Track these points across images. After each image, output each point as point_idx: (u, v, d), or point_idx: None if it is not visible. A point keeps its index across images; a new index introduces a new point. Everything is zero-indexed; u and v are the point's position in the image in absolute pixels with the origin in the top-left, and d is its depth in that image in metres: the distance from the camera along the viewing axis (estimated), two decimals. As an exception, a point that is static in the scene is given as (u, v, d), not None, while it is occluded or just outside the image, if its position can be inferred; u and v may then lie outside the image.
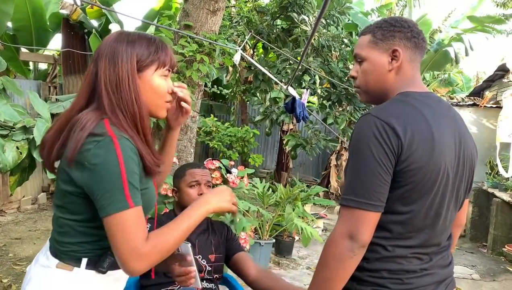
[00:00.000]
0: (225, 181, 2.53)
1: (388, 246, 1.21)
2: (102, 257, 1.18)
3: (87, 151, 1.07)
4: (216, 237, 2.09)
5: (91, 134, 1.09)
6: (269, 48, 6.92)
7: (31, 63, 8.61)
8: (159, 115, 1.26)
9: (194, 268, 1.30)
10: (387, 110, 1.20)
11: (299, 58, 6.87)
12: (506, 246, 5.91)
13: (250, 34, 4.72)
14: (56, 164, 1.22)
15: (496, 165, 5.39)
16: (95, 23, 7.89)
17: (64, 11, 7.20)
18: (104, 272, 1.19)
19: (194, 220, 1.19)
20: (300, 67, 6.71)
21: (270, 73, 5.73)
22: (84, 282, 1.17)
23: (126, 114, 1.15)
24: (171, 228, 1.15)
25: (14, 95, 5.49)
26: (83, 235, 1.16)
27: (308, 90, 4.48)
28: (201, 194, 2.01)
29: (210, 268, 1.99)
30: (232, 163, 2.70)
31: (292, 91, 4.12)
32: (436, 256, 1.27)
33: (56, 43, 10.08)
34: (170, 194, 2.55)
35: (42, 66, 9.04)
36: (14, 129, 2.32)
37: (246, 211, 2.75)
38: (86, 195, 1.11)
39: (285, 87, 4.22)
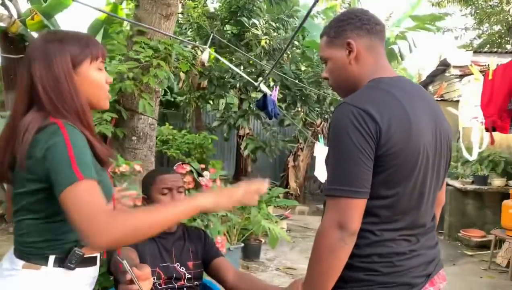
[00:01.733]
0: (198, 185, 2.47)
1: (376, 230, 1.21)
2: (69, 253, 1.17)
3: (38, 142, 1.10)
4: (193, 243, 2.02)
5: (38, 129, 1.12)
6: (221, 53, 6.89)
7: (-32, 80, 8.07)
8: (102, 106, 1.30)
9: (136, 287, 1.28)
10: (362, 97, 1.22)
11: (251, 62, 6.91)
12: (461, 231, 6.20)
13: (211, 35, 4.66)
14: (10, 174, 1.20)
15: (458, 150, 5.68)
16: (36, 35, 7.52)
17: (1, 24, 6.82)
18: (72, 269, 1.17)
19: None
20: (254, 70, 6.75)
21: (229, 75, 5.71)
22: (53, 280, 1.15)
23: (69, 110, 1.17)
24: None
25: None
26: (47, 232, 1.16)
27: (278, 87, 4.49)
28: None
29: (190, 276, 1.93)
30: (203, 166, 2.65)
31: (263, 88, 4.11)
32: (423, 237, 1.29)
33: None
34: (139, 203, 2.45)
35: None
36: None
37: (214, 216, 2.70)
38: (49, 188, 1.10)
39: (257, 84, 4.21)
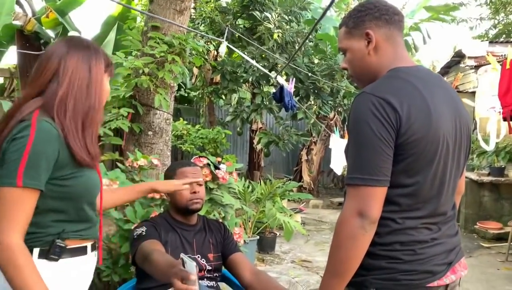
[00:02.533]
0: (215, 177, 2.49)
1: (398, 218, 1.22)
2: (52, 245, 1.22)
3: (10, 133, 1.17)
4: (213, 236, 2.05)
5: (20, 120, 1.18)
6: (234, 47, 6.89)
7: (-15, 78, 8.22)
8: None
9: (196, 288, 1.28)
10: (381, 86, 1.23)
11: (264, 55, 6.90)
12: (477, 223, 6.15)
13: (226, 29, 4.67)
14: None
15: (474, 141, 5.63)
16: (51, 33, 7.61)
17: (17, 22, 6.90)
18: (56, 260, 1.22)
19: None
20: (267, 64, 6.74)
21: (244, 68, 5.71)
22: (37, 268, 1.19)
23: (77, 109, 1.25)
24: (23, 264, 1.11)
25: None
26: (31, 225, 1.18)
27: (294, 79, 4.48)
28: (194, 192, 1.97)
29: (210, 267, 1.96)
30: (219, 159, 2.67)
31: (280, 80, 4.11)
32: (444, 226, 1.30)
33: (11, 56, 9.69)
34: (158, 197, 2.49)
35: (-2, 80, 8.65)
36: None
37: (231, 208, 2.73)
38: None
39: (273, 77, 4.21)
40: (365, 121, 1.17)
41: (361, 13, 1.34)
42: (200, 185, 2.02)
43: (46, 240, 1.23)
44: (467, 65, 7.63)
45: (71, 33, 6.07)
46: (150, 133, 3.87)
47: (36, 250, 1.21)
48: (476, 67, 7.31)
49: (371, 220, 1.15)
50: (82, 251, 1.32)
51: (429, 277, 1.22)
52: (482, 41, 9.95)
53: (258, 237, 4.82)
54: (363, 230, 1.15)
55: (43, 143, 1.15)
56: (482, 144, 5.12)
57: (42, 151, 1.15)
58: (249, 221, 4.71)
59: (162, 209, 2.43)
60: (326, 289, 1.23)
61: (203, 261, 1.95)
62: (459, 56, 8.14)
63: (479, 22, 13.20)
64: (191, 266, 1.30)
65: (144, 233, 1.84)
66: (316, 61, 7.51)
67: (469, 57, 7.57)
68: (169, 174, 2.04)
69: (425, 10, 8.47)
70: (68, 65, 1.26)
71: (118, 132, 3.95)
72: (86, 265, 1.35)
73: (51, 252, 1.22)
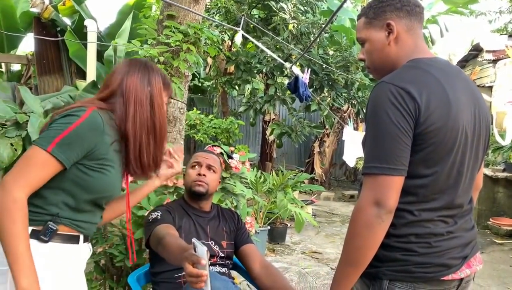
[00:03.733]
0: (228, 167, 2.51)
1: (415, 210, 1.22)
2: (44, 226, 1.27)
3: (65, 112, 1.30)
4: (227, 224, 2.08)
5: (78, 106, 1.31)
6: (250, 36, 6.87)
7: (3, 65, 8.33)
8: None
9: (206, 272, 1.29)
10: (400, 76, 1.22)
11: (278, 46, 6.87)
12: (490, 219, 6.09)
13: (242, 18, 4.65)
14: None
15: (491, 136, 5.57)
16: (68, 20, 7.67)
17: (34, 10, 6.97)
18: (45, 241, 1.27)
19: (18, 250, 1.16)
20: (281, 55, 6.71)
21: (257, 58, 5.68)
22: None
23: (141, 123, 1.40)
24: (21, 231, 1.17)
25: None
26: (37, 199, 1.26)
27: (309, 70, 4.46)
28: (199, 174, 1.99)
29: (223, 255, 1.98)
30: (232, 149, 2.68)
31: (296, 70, 4.09)
32: (460, 219, 1.29)
33: (28, 43, 9.80)
34: (170, 184, 2.51)
35: (15, 67, 8.77)
36: (6, 126, 2.25)
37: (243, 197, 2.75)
38: None
39: (288, 66, 4.20)
40: (383, 110, 1.17)
41: (382, 3, 1.34)
42: (211, 171, 2.04)
43: (43, 219, 1.28)
44: (484, 59, 7.50)
45: (87, 21, 6.09)
46: (164, 121, 3.90)
47: (29, 229, 1.25)
48: (494, 61, 7.18)
49: (388, 209, 1.15)
50: (73, 239, 1.36)
51: (444, 270, 1.22)
52: (501, 34, 9.76)
53: (269, 227, 4.85)
54: (380, 219, 1.15)
55: (87, 130, 1.25)
56: (498, 138, 5.05)
57: (82, 136, 1.25)
58: (260, 211, 4.74)
59: (175, 197, 2.46)
60: (341, 277, 1.24)
61: (216, 247, 1.97)
62: (476, 50, 8.00)
63: (498, 15, 12.94)
64: (202, 251, 1.31)
65: (158, 217, 1.87)
66: (331, 52, 7.46)
67: (487, 51, 7.43)
68: (188, 161, 2.12)
69: (443, 2, 8.33)
70: (128, 84, 1.40)
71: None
72: (77, 254, 1.39)
73: (41, 233, 1.27)
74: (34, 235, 1.26)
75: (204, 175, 2.00)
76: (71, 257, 1.36)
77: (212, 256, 1.93)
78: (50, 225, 1.27)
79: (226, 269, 1.99)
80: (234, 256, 2.08)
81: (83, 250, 1.43)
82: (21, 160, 1.22)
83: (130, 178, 1.58)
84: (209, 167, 2.04)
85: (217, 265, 1.95)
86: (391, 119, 1.15)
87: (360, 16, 1.41)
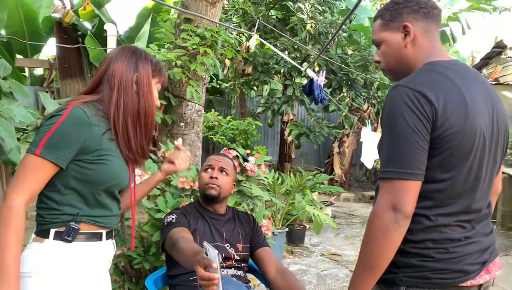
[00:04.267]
0: (243, 169, 2.51)
1: (431, 216, 1.19)
2: (66, 226, 1.29)
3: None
4: (243, 227, 2.07)
5: (64, 105, 1.32)
6: (266, 38, 6.87)
7: (26, 69, 8.54)
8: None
9: (218, 276, 1.29)
10: (417, 79, 1.21)
11: (296, 46, 6.84)
12: (516, 221, 5.94)
13: (257, 21, 4.66)
14: None
15: None
16: (88, 25, 7.82)
17: (56, 15, 7.12)
18: (70, 241, 1.29)
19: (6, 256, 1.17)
20: (299, 55, 6.69)
21: (273, 60, 5.68)
22: (53, 253, 1.28)
23: (127, 111, 1.38)
24: (13, 237, 1.18)
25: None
26: (49, 202, 1.30)
27: (324, 72, 4.44)
28: (211, 177, 1.99)
29: (239, 257, 1.98)
30: (248, 151, 2.68)
31: (310, 73, 4.08)
32: (478, 224, 1.26)
33: (51, 47, 10.01)
34: (187, 187, 2.53)
35: (38, 71, 8.97)
36: (27, 131, 2.29)
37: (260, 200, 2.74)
38: None
39: (303, 69, 4.18)
40: (399, 114, 1.15)
41: (399, 5, 1.32)
42: (223, 174, 2.03)
43: (62, 220, 1.29)
44: (508, 56, 7.33)
45: (107, 25, 6.19)
46: (182, 124, 3.93)
47: (52, 231, 1.28)
48: (518, 59, 7.01)
49: (405, 214, 1.13)
50: (96, 237, 1.37)
51: (462, 277, 1.20)
52: (525, 31, 9.51)
53: (287, 229, 4.83)
54: (396, 224, 1.13)
55: (70, 126, 1.26)
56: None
57: (67, 132, 1.25)
58: (278, 213, 4.72)
59: (192, 199, 2.47)
60: (357, 281, 1.22)
61: (232, 250, 1.96)
62: (500, 47, 7.83)
63: (522, 11, 12.61)
64: (214, 254, 1.32)
65: (174, 221, 1.88)
66: (349, 52, 7.39)
67: (511, 48, 7.26)
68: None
69: (465, -1, 8.17)
70: (114, 69, 1.39)
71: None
72: (101, 251, 1.40)
73: (65, 233, 1.28)
74: (58, 236, 1.28)
75: (216, 177, 1.99)
76: (95, 255, 1.38)
77: (227, 258, 1.94)
78: (72, 225, 1.29)
79: (241, 272, 1.98)
80: (249, 259, 2.08)
81: (107, 247, 1.43)
82: (17, 170, 1.25)
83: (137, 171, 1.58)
84: (221, 170, 2.03)
85: (233, 268, 1.95)
86: (408, 123, 1.13)
87: (376, 18, 1.39)
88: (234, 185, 2.16)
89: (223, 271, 1.90)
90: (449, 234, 1.20)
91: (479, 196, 1.24)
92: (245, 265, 2.02)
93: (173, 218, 1.90)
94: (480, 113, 1.20)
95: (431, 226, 1.20)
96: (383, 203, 1.15)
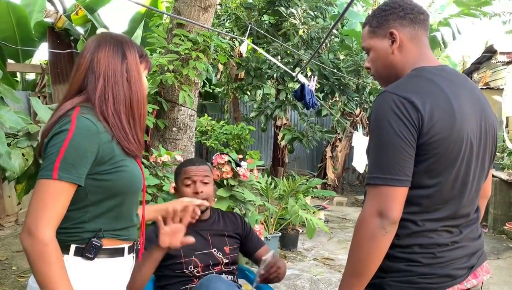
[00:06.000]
0: (236, 174, 2.52)
1: (419, 221, 1.20)
2: (88, 243, 1.22)
3: (52, 129, 1.20)
4: (229, 228, 2.06)
5: (60, 116, 1.21)
6: (258, 43, 6.90)
7: (18, 74, 8.49)
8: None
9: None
10: (403, 85, 1.21)
11: (289, 51, 6.87)
12: (506, 224, 5.98)
13: (249, 26, 4.68)
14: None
15: (504, 140, 5.48)
16: (80, 29, 7.80)
17: (48, 20, 7.09)
18: (91, 259, 1.22)
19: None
20: (291, 60, 6.72)
21: (266, 65, 5.70)
22: (74, 269, 1.19)
23: (118, 101, 1.27)
24: (56, 262, 1.12)
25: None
26: (67, 221, 1.20)
27: (316, 77, 4.46)
28: (196, 193, 1.91)
29: (227, 260, 1.97)
30: (241, 156, 2.69)
31: (301, 78, 4.10)
32: (465, 229, 1.27)
33: (43, 52, 9.96)
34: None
35: (30, 76, 8.93)
36: (17, 136, 2.28)
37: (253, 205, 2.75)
38: None
39: (294, 74, 4.20)
40: (386, 120, 1.15)
41: (385, 12, 1.33)
42: (205, 183, 1.96)
43: (83, 237, 1.23)
44: (498, 61, 7.41)
45: (100, 30, 6.19)
46: (174, 129, 3.93)
47: (72, 247, 1.21)
48: (508, 63, 7.09)
49: (392, 220, 1.13)
50: (118, 252, 1.30)
51: (449, 281, 1.21)
52: (515, 36, 9.64)
53: (280, 233, 4.83)
54: (383, 230, 1.13)
55: (82, 139, 1.16)
56: (508, 143, 4.96)
57: (80, 147, 1.15)
58: (272, 217, 4.73)
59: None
60: (345, 288, 1.22)
61: (220, 254, 1.96)
62: (490, 52, 7.90)
63: (512, 16, 12.77)
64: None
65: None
66: (341, 57, 7.44)
67: (501, 53, 7.34)
68: (176, 172, 2.03)
69: (455, 4, 8.26)
70: (99, 58, 1.27)
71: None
72: (122, 266, 1.33)
73: (86, 250, 1.21)
74: (79, 252, 1.21)
75: (201, 191, 1.92)
76: (117, 272, 1.31)
77: (216, 264, 1.93)
78: (94, 242, 1.22)
79: (232, 276, 1.98)
80: (238, 262, 2.07)
81: (128, 262, 1.37)
82: (33, 199, 1.14)
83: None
84: (202, 181, 1.96)
85: (223, 273, 1.94)
86: (394, 130, 1.14)
87: (365, 25, 1.41)
88: (214, 186, 2.15)
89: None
90: (436, 239, 1.21)
91: (467, 201, 1.25)
92: (235, 268, 2.02)
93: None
94: (467, 118, 1.21)
95: (418, 231, 1.21)
96: (370, 209, 1.16)
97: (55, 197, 1.13)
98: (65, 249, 1.20)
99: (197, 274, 1.88)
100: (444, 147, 1.16)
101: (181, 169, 1.99)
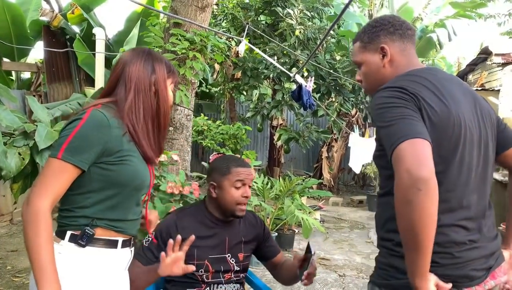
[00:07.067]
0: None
1: (439, 214, 1.13)
2: (82, 230, 1.30)
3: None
4: (248, 233, 1.94)
5: (81, 110, 1.34)
6: (255, 43, 6.89)
7: (13, 73, 8.45)
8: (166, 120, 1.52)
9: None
10: (393, 82, 1.29)
11: (285, 52, 6.88)
12: (501, 225, 6.01)
13: (246, 26, 4.68)
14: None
15: None
16: (76, 28, 7.77)
17: (44, 18, 7.07)
18: (83, 246, 1.30)
19: (38, 269, 1.18)
20: (288, 61, 6.72)
21: (262, 65, 5.71)
22: (67, 254, 1.29)
23: (146, 113, 1.41)
24: (45, 241, 1.20)
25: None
26: (70, 203, 1.31)
27: (313, 77, 4.47)
28: (246, 197, 1.83)
29: (239, 268, 1.88)
30: (238, 156, 2.68)
31: (299, 79, 4.11)
32: (482, 226, 1.26)
33: (38, 51, 9.92)
34: (176, 192, 2.52)
35: (25, 75, 8.88)
36: (14, 135, 2.27)
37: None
38: None
39: (292, 75, 4.21)
40: (389, 104, 1.20)
41: (376, 28, 1.42)
42: (250, 186, 1.88)
43: (80, 223, 1.30)
44: (494, 62, 7.44)
45: (96, 29, 6.16)
46: (171, 128, 3.92)
47: (68, 233, 1.30)
48: (503, 64, 7.12)
49: (421, 175, 1.05)
50: (112, 244, 1.36)
51: (466, 282, 1.20)
52: (510, 37, 9.69)
53: (276, 233, 4.84)
54: (414, 188, 1.05)
55: (91, 129, 1.27)
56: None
57: (88, 135, 1.26)
58: (268, 217, 4.73)
59: (181, 204, 2.46)
60: (410, 265, 1.14)
61: (233, 261, 1.87)
62: (485, 53, 7.94)
63: (507, 18, 12.84)
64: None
65: (146, 245, 1.79)
66: (338, 57, 7.46)
67: (496, 54, 7.37)
68: (221, 169, 1.85)
69: (451, 6, 8.29)
70: (131, 71, 1.40)
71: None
72: (115, 259, 1.38)
73: (79, 237, 1.29)
74: (73, 239, 1.29)
75: (249, 197, 1.85)
76: (109, 262, 1.36)
77: (227, 271, 1.85)
78: (87, 230, 1.30)
79: (239, 285, 1.90)
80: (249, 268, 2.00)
81: (123, 255, 1.42)
82: (40, 174, 1.26)
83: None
84: (250, 184, 1.86)
85: (232, 283, 1.86)
86: (397, 105, 1.18)
87: (355, 41, 1.49)
88: None
89: (221, 287, 1.84)
90: (453, 236, 1.19)
91: (473, 188, 1.24)
92: (243, 275, 1.93)
93: (147, 240, 1.79)
94: (462, 107, 1.26)
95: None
96: (398, 172, 1.09)
97: (57, 174, 1.24)
98: (62, 234, 1.30)
99: (206, 280, 1.81)
100: (443, 129, 1.19)
101: (231, 168, 1.83)
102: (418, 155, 1.08)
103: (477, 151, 1.26)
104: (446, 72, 1.41)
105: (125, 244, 1.40)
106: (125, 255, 1.43)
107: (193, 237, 1.60)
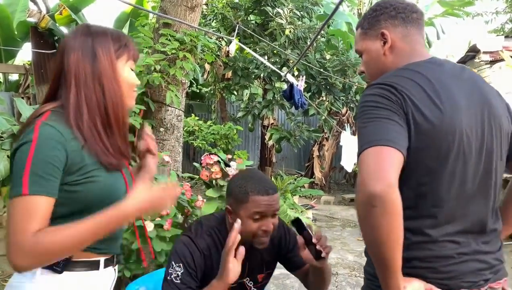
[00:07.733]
0: (225, 175, 2.51)
1: (416, 228, 1.10)
2: None
3: (16, 143, 1.08)
4: (271, 252, 1.71)
5: (26, 124, 1.10)
6: (245, 43, 6.89)
7: (1, 75, 8.36)
8: (129, 105, 1.25)
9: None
10: (386, 76, 1.16)
11: (275, 51, 6.89)
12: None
13: (237, 26, 4.68)
14: None
15: None
16: (65, 30, 7.70)
17: (31, 19, 7.00)
18: (59, 272, 1.12)
19: (105, 222, 1.06)
20: (278, 60, 6.73)
21: (255, 65, 5.70)
22: (42, 283, 1.12)
23: (92, 110, 1.14)
24: (67, 227, 1.03)
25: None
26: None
27: (304, 77, 4.48)
28: (266, 231, 1.52)
29: (256, 289, 1.71)
30: (229, 156, 2.68)
31: (290, 78, 4.11)
32: (479, 239, 1.14)
33: (26, 52, 9.81)
34: (165, 213, 2.41)
35: (13, 77, 8.79)
36: (2, 138, 2.25)
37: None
38: None
39: (283, 74, 4.21)
40: (371, 103, 1.10)
41: (376, 12, 1.29)
42: (274, 216, 1.55)
43: None
44: (482, 60, 7.52)
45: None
46: (161, 129, 3.91)
47: None
48: (491, 62, 7.20)
49: (372, 190, 0.96)
50: (93, 265, 1.19)
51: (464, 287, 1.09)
52: (497, 35, 9.80)
53: (269, 233, 4.83)
54: (368, 205, 0.97)
55: (46, 149, 1.04)
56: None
57: (46, 157, 1.04)
58: (260, 217, 4.72)
59: (173, 207, 2.44)
60: (381, 281, 1.07)
61: (251, 284, 1.71)
62: (473, 51, 8.02)
63: (494, 16, 13.00)
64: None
65: (177, 281, 1.53)
66: (328, 56, 7.49)
67: (484, 52, 7.45)
68: (238, 196, 1.53)
69: (439, 5, 8.37)
70: (69, 62, 1.14)
71: (130, 128, 3.99)
72: (98, 280, 1.22)
73: (54, 263, 1.11)
74: (48, 266, 1.11)
75: (270, 230, 1.54)
76: (92, 285, 1.20)
77: None
78: None
79: None
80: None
81: (106, 276, 1.25)
82: (9, 225, 1.01)
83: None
84: (273, 214, 1.54)
85: None
86: (379, 106, 1.08)
87: (356, 28, 1.36)
88: None
89: None
90: (437, 251, 1.09)
91: (469, 203, 1.13)
92: None
93: (178, 276, 1.54)
94: (461, 111, 1.11)
95: (416, 242, 1.09)
96: (357, 184, 1.01)
97: (33, 212, 1.01)
98: None
99: None
100: (433, 137, 1.07)
101: (249, 196, 1.52)
102: (378, 165, 0.99)
103: (475, 160, 1.12)
104: (456, 65, 1.24)
105: (107, 263, 1.23)
106: (109, 275, 1.27)
107: (243, 249, 1.42)
